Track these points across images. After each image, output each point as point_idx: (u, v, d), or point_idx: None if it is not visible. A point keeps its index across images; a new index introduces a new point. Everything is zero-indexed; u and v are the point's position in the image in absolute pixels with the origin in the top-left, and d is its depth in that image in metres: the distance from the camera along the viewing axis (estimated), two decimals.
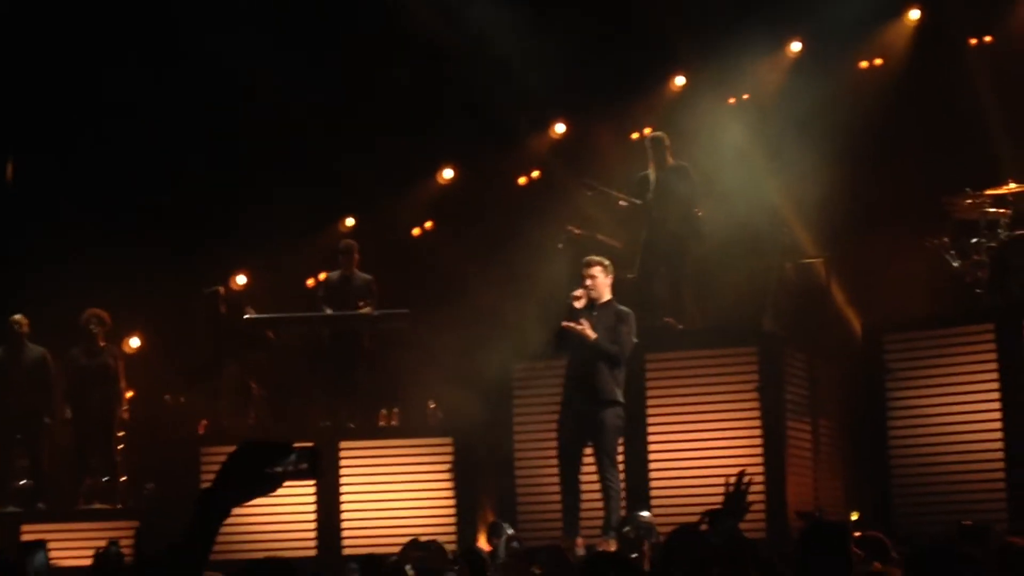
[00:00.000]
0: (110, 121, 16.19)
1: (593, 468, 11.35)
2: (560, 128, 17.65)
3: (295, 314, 14.96)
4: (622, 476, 12.08)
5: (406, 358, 15.27)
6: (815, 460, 13.16)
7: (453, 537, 12.84)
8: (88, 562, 8.94)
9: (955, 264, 13.12)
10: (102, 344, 14.44)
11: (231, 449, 3.31)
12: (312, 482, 12.70)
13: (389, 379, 15.02)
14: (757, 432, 12.54)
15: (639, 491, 12.48)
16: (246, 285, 17.16)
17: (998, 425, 12.04)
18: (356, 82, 16.61)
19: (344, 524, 13.49)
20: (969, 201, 13.06)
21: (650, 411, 12.83)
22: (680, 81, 17.02)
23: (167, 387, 15.55)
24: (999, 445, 12.00)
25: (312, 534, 13.47)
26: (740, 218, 13.97)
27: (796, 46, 16.56)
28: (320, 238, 17.03)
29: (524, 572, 8.64)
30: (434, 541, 9.72)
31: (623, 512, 11.42)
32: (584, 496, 11.44)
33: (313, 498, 13.44)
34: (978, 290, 12.88)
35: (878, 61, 16.38)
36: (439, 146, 17.48)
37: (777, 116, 15.39)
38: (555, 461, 11.69)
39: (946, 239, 13.21)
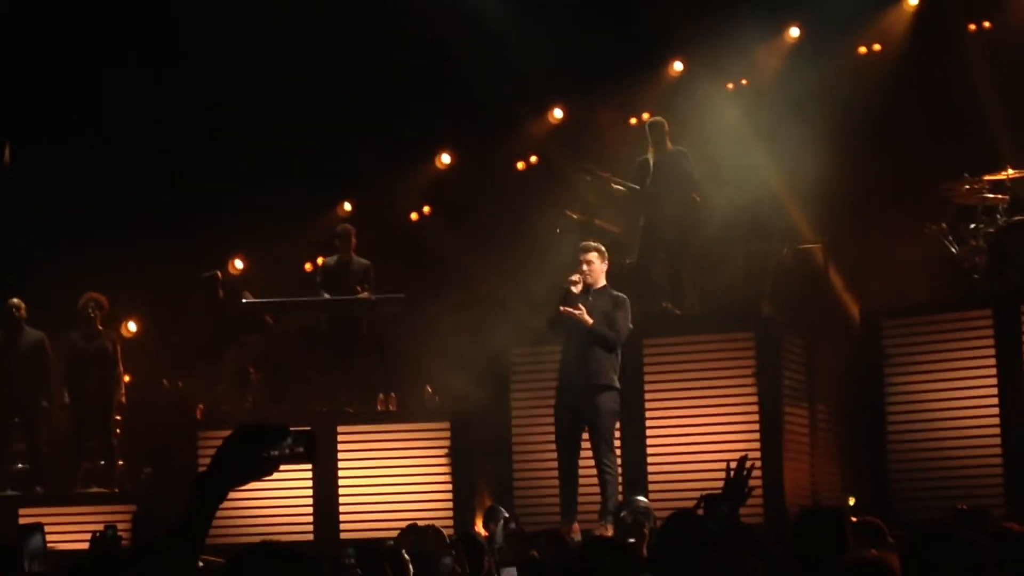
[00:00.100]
0: (108, 105, 16.17)
1: (590, 453, 11.36)
2: (558, 113, 17.63)
3: (293, 299, 14.95)
4: (619, 461, 12.10)
5: (404, 343, 15.27)
6: (812, 445, 13.17)
7: (450, 521, 12.85)
8: (85, 546, 8.94)
9: (953, 250, 13.12)
10: (100, 328, 14.44)
11: (229, 433, 3.31)
12: (308, 466, 12.67)
13: (387, 364, 15.03)
14: (754, 417, 12.55)
15: (637, 476, 12.49)
16: (244, 270, 17.17)
17: (995, 411, 12.05)
18: (354, 67, 16.58)
19: (342, 508, 13.50)
20: (967, 187, 13.06)
21: (648, 396, 12.84)
22: (678, 66, 16.99)
23: (165, 371, 15.55)
24: (996, 430, 12.02)
25: (309, 518, 13.48)
26: (739, 203, 13.96)
27: (795, 31, 16.53)
28: (318, 223, 17.02)
29: (523, 555, 8.65)
30: (432, 526, 9.71)
31: (620, 497, 11.43)
32: (581, 481, 11.46)
33: (310, 482, 13.45)
34: (976, 276, 12.89)
35: (877, 47, 16.35)
36: (437, 131, 17.45)
37: (775, 102, 15.36)
38: (552, 446, 11.71)
39: (944, 225, 13.21)
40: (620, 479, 12.02)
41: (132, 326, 16.78)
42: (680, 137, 13.92)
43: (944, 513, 9.59)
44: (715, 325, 13.11)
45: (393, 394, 14.26)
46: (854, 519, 7.55)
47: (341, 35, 16.54)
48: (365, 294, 14.28)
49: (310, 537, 13.31)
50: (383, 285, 14.53)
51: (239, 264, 17.19)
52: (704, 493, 5.78)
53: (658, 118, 13.98)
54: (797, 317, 13.63)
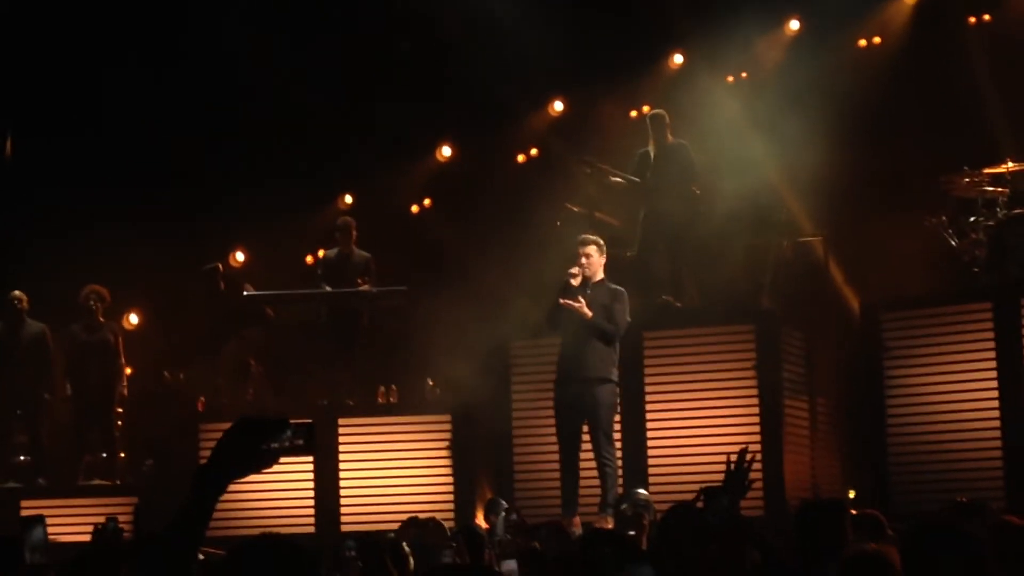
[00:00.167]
0: (109, 98, 16.17)
1: (591, 446, 11.39)
2: (559, 106, 17.62)
3: (294, 291, 14.96)
4: (619, 454, 12.12)
5: (404, 335, 15.28)
6: (812, 438, 13.18)
7: (451, 514, 12.87)
8: (87, 538, 8.95)
9: (953, 243, 13.13)
10: (101, 320, 14.45)
11: (229, 426, 3.32)
12: (309, 458, 12.72)
13: (387, 356, 15.04)
14: (755, 410, 12.56)
15: (637, 469, 12.51)
16: (245, 262, 17.17)
17: (995, 404, 12.07)
18: (355, 60, 16.58)
19: (343, 501, 13.52)
20: (967, 180, 13.07)
21: (648, 389, 12.86)
22: (679, 59, 16.98)
23: (166, 364, 15.56)
24: (996, 423, 12.04)
25: (311, 511, 13.50)
26: (738, 197, 13.96)
27: (794, 24, 16.52)
28: (319, 216, 17.02)
29: (524, 547, 8.67)
30: (432, 518, 9.74)
31: (620, 490, 11.45)
32: (582, 474, 11.48)
33: (311, 475, 13.47)
34: (976, 269, 12.90)
35: (877, 40, 16.34)
36: (438, 124, 17.45)
37: (775, 94, 15.35)
38: (553, 438, 11.73)
39: (944, 218, 13.22)
40: (620, 471, 12.05)
41: (133, 319, 16.79)
42: (680, 130, 13.92)
43: (944, 506, 9.60)
44: (715, 318, 13.13)
45: (394, 387, 14.27)
46: (854, 512, 7.57)
47: (342, 28, 16.53)
48: (366, 287, 14.28)
49: (311, 529, 13.33)
50: (384, 278, 14.54)
51: (240, 256, 17.19)
52: (704, 486, 5.80)
53: (659, 111, 13.98)
54: (797, 310, 13.64)
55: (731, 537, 5.66)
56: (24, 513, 12.03)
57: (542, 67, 15.85)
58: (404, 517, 10.47)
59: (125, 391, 14.65)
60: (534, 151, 17.86)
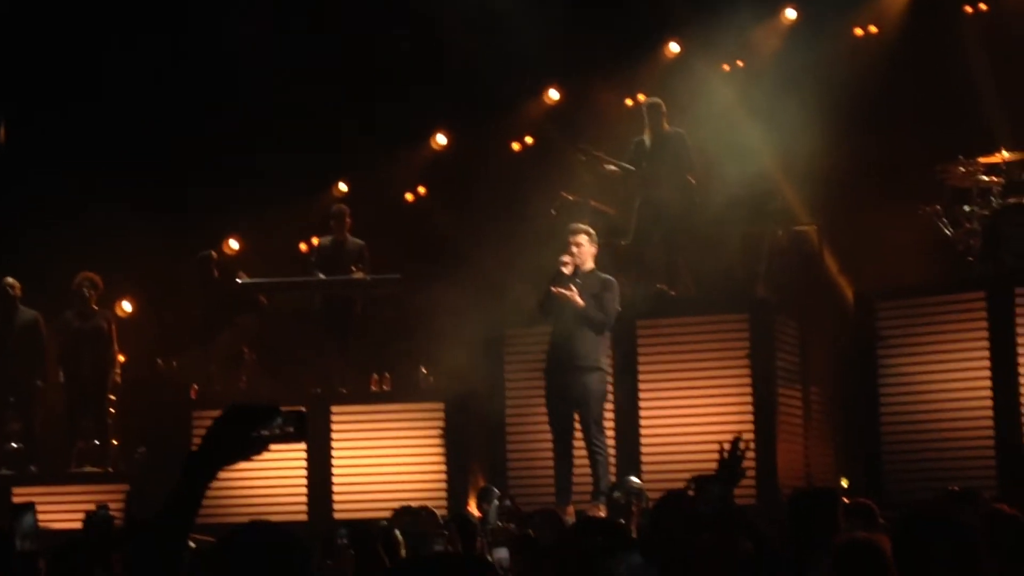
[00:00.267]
0: (103, 85, 16.14)
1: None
2: (554, 94, 17.60)
3: (287, 279, 14.94)
4: (613, 442, 12.12)
5: (398, 323, 15.26)
6: (806, 427, 13.19)
7: (444, 502, 12.87)
8: (78, 525, 8.95)
9: (948, 232, 13.13)
10: (95, 308, 14.43)
11: (220, 413, 3.32)
12: (302, 445, 12.72)
13: (381, 344, 15.02)
14: (748, 399, 12.56)
15: (630, 457, 12.51)
16: (239, 250, 17.15)
17: (988, 393, 12.06)
18: (351, 47, 16.55)
19: (336, 489, 13.51)
20: (962, 169, 13.06)
21: (642, 377, 12.86)
22: (675, 47, 16.96)
23: (159, 351, 15.54)
24: (989, 413, 12.03)
25: (304, 498, 13.49)
26: (734, 185, 13.95)
27: (791, 13, 16.50)
28: (313, 203, 16.99)
29: (517, 533, 8.67)
30: (425, 507, 9.73)
31: (613, 478, 11.46)
32: (576, 463, 11.49)
33: (305, 463, 13.46)
34: (970, 258, 12.89)
35: (873, 29, 16.33)
36: (433, 112, 17.43)
37: (771, 83, 15.33)
38: (546, 427, 11.75)
39: (939, 207, 13.22)
40: (613, 460, 12.05)
41: (127, 306, 16.76)
42: (675, 118, 13.91)
43: (936, 495, 9.60)
44: (710, 307, 13.13)
45: (387, 374, 14.27)
46: (846, 500, 7.57)
47: (339, 16, 16.49)
48: (360, 274, 14.27)
49: (304, 517, 13.31)
50: (378, 265, 14.52)
51: (234, 244, 17.17)
52: (695, 474, 5.79)
53: (655, 99, 13.96)
54: (791, 299, 13.64)
55: (723, 526, 5.66)
56: (16, 500, 12.04)
57: (538, 55, 15.82)
58: (397, 505, 10.44)
59: (118, 378, 14.62)
60: (529, 139, 17.85)
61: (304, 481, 13.51)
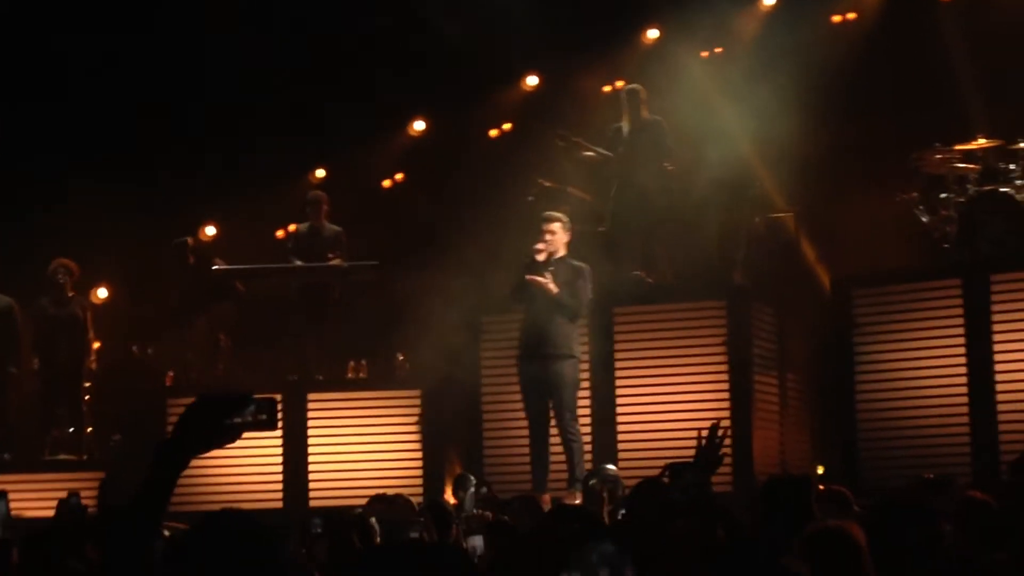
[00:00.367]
0: (78, 70, 16.05)
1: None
2: (532, 80, 17.57)
3: (264, 265, 14.90)
4: (589, 429, 12.13)
5: (375, 310, 15.24)
6: (782, 414, 13.21)
7: (420, 490, 12.86)
8: (52, 513, 8.92)
9: (924, 219, 13.15)
10: (70, 294, 14.38)
11: (192, 401, 3.31)
12: (277, 432, 12.70)
13: (358, 331, 14.99)
14: (725, 386, 12.58)
15: (606, 444, 12.52)
16: (215, 236, 17.09)
17: (963, 380, 12.11)
18: (328, 34, 16.49)
19: (311, 476, 13.49)
20: (939, 156, 13.08)
21: (618, 364, 12.86)
22: (653, 33, 16.94)
23: (135, 338, 15.49)
24: (964, 399, 12.08)
25: (279, 486, 13.47)
26: (711, 172, 13.95)
27: (769, 0, 16.50)
28: (290, 189, 16.93)
29: (494, 520, 8.66)
30: (400, 495, 9.72)
31: (589, 465, 11.47)
32: (552, 450, 11.50)
33: (280, 450, 13.43)
34: (946, 245, 12.93)
35: (851, 15, 16.34)
36: (411, 98, 17.39)
37: (749, 70, 15.33)
38: (522, 414, 11.75)
39: (915, 194, 13.24)
40: (590, 447, 12.06)
41: (102, 292, 16.70)
42: (653, 105, 13.89)
43: (911, 482, 9.64)
44: (686, 293, 13.14)
45: (364, 362, 14.24)
46: (821, 487, 7.59)
47: (315, 2, 16.43)
48: (337, 261, 14.24)
49: (279, 504, 13.30)
50: (355, 252, 14.50)
51: (210, 231, 17.12)
52: (670, 461, 5.79)
53: (636, 86, 13.95)
54: (768, 286, 13.65)
55: (699, 513, 5.65)
56: None
57: (516, 41, 15.79)
58: (373, 492, 10.44)
59: (93, 365, 14.57)
60: (508, 125, 17.82)
61: (280, 468, 13.49)
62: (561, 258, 11.60)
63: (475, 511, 10.09)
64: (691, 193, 13.90)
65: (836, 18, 16.38)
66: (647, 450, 12.32)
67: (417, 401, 13.62)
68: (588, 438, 12.24)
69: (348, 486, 13.09)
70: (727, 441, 5.72)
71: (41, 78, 16.09)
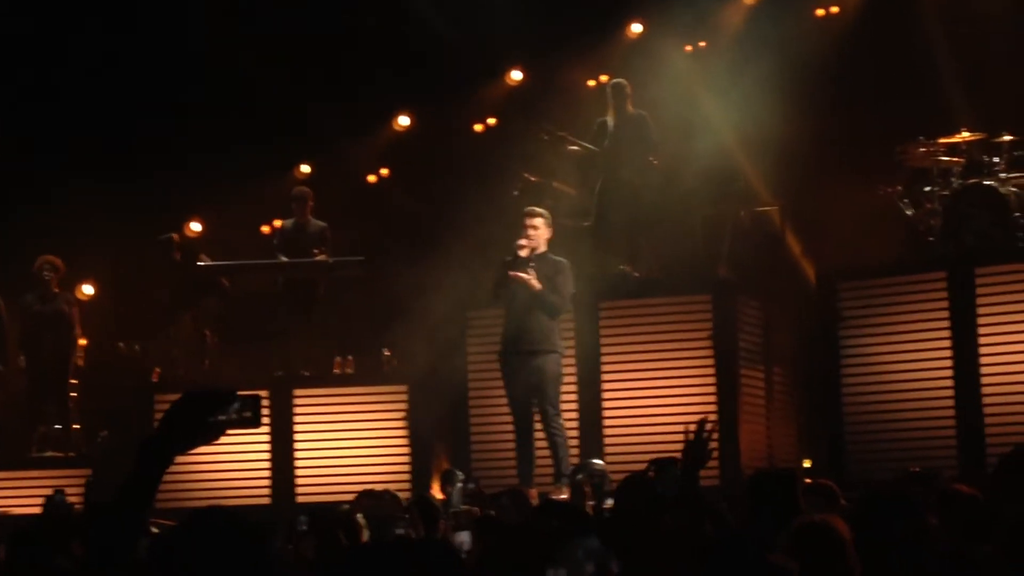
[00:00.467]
0: (65, 68, 16.02)
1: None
2: (516, 75, 17.57)
3: (250, 261, 14.89)
4: (576, 424, 12.13)
5: (361, 306, 15.23)
6: (768, 408, 13.23)
7: (408, 485, 12.86)
8: (39, 510, 8.92)
9: (908, 212, 13.18)
10: (56, 291, 14.34)
11: (176, 398, 3.31)
12: (264, 429, 12.69)
13: (344, 327, 14.99)
14: (711, 379, 12.60)
15: (593, 439, 12.53)
16: (200, 232, 17.06)
17: (949, 373, 12.12)
18: (313, 30, 16.48)
19: (298, 472, 13.48)
20: (923, 149, 13.10)
21: (604, 358, 12.87)
22: (637, 28, 16.95)
23: (121, 335, 15.46)
24: (950, 392, 12.09)
25: (266, 483, 13.45)
26: (696, 166, 13.96)
27: None
28: (275, 185, 16.92)
29: (481, 515, 8.67)
30: (387, 490, 9.73)
31: (576, 460, 11.48)
32: (538, 445, 11.50)
33: (267, 446, 13.42)
34: (931, 238, 12.95)
35: (834, 9, 16.36)
36: (396, 93, 17.38)
37: (733, 64, 15.35)
38: (508, 408, 11.75)
39: (900, 187, 13.26)
40: (577, 442, 12.07)
41: (88, 289, 16.66)
42: (637, 99, 13.90)
43: (897, 475, 9.66)
44: (672, 287, 13.15)
45: (350, 357, 14.22)
46: (808, 481, 7.60)
47: None
48: (322, 257, 14.23)
49: (267, 501, 13.29)
50: (340, 248, 14.48)
51: (196, 227, 17.08)
52: (655, 457, 5.80)
53: (620, 80, 13.95)
54: (754, 280, 13.68)
55: (685, 508, 5.67)
56: None
57: (501, 36, 15.79)
58: (361, 488, 10.45)
59: (80, 362, 14.55)
60: (492, 120, 17.82)
61: (267, 464, 13.47)
62: (542, 254, 11.59)
63: (462, 506, 10.11)
64: (676, 187, 13.92)
65: (819, 12, 16.41)
66: (634, 444, 12.33)
67: (404, 397, 13.61)
68: (574, 432, 12.26)
69: (335, 482, 13.07)
70: (715, 436, 5.74)
71: (27, 76, 16.04)
